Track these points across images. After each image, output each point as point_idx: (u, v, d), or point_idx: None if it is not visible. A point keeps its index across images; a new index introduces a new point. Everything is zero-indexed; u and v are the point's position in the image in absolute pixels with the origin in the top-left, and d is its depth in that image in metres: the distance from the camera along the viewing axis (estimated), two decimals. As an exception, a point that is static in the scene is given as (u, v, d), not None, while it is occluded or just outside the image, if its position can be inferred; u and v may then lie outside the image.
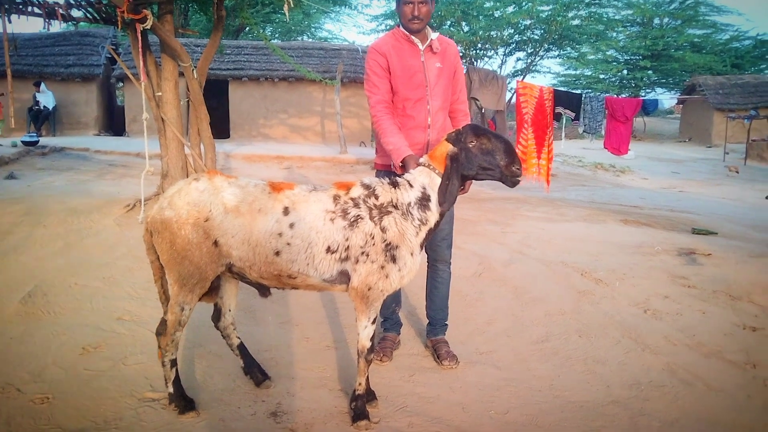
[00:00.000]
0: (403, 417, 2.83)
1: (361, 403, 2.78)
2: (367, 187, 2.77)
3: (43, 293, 4.09)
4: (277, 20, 23.55)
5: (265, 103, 17.53)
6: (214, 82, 15.33)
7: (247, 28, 21.34)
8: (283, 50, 11.48)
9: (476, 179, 2.87)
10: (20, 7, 6.39)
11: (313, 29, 27.97)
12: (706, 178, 13.97)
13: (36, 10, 6.41)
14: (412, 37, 3.31)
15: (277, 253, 2.63)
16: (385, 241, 2.68)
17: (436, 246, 3.50)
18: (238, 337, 3.09)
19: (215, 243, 2.61)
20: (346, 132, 15.27)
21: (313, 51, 18.39)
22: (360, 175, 12.04)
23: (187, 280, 2.64)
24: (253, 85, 17.32)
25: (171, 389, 2.76)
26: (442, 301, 3.61)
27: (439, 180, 2.76)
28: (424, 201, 2.75)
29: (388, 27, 15.95)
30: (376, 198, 2.73)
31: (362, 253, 2.67)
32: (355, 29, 37.78)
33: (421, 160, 2.89)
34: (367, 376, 2.82)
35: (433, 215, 2.77)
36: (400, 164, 3.06)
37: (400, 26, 3.35)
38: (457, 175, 2.74)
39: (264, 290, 2.88)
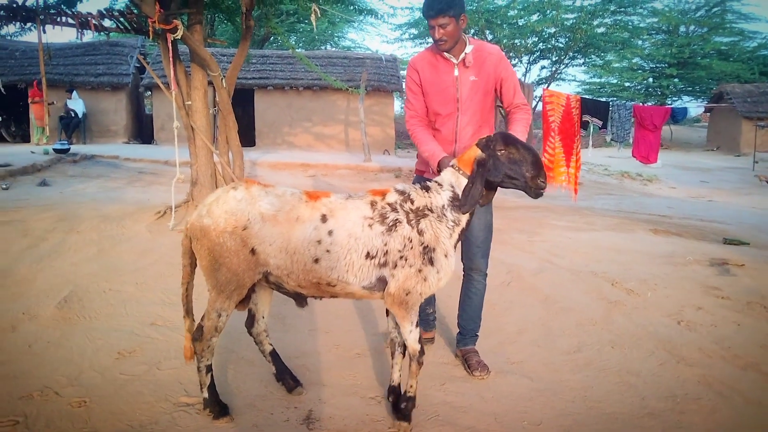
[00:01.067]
0: (434, 426, 2.82)
1: (411, 405, 2.84)
2: (401, 192, 2.81)
3: (79, 298, 4.17)
4: (302, 29, 23.77)
5: (290, 112, 17.69)
6: (240, 91, 15.50)
7: (272, 38, 21.59)
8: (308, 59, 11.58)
9: (501, 186, 2.87)
10: (55, 17, 6.56)
11: (336, 38, 28.19)
12: (735, 188, 13.73)
13: (70, 20, 6.57)
14: (445, 53, 3.30)
15: (316, 261, 2.65)
16: (423, 244, 2.71)
17: (472, 254, 3.49)
18: (271, 344, 3.12)
19: (252, 251, 2.64)
20: (370, 140, 15.33)
21: (337, 60, 18.54)
22: (384, 183, 12.07)
23: (224, 287, 2.68)
24: (278, 93, 17.50)
25: (206, 394, 2.79)
26: (475, 311, 3.59)
27: (464, 182, 2.79)
28: (455, 201, 2.79)
29: (411, 36, 15.99)
30: (412, 202, 2.77)
31: (400, 257, 2.69)
32: (378, 38, 38.11)
33: (451, 162, 2.92)
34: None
35: (464, 216, 2.81)
36: (438, 167, 3.10)
37: None
38: (482, 180, 2.75)
39: (301, 300, 2.89)
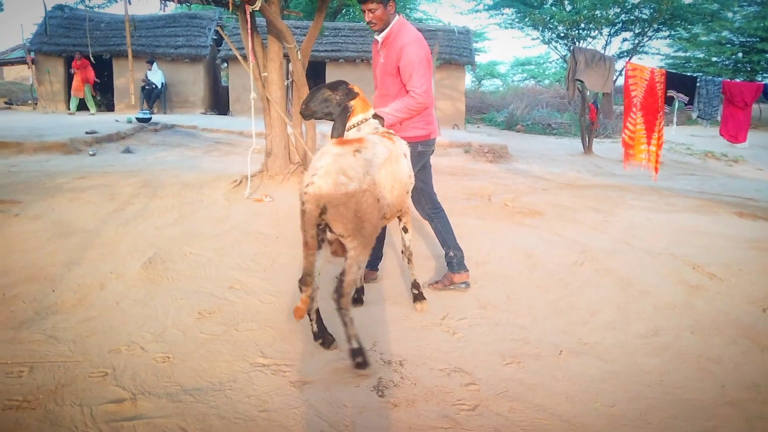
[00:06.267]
0: (504, 402, 2.81)
1: (420, 289, 3.81)
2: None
3: (162, 260, 4.38)
4: (374, 1, 23.60)
5: (360, 85, 17.35)
6: (312, 64, 15.63)
7: (344, 10, 21.59)
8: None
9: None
10: (141, -10, 6.80)
11: (408, 10, 27.83)
12: (832, 171, 12.79)
13: (155, -8, 6.78)
14: (375, 36, 3.87)
15: (407, 191, 3.35)
16: None
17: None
18: (317, 302, 3.27)
19: (378, 200, 2.96)
20: (440, 114, 15.17)
21: (409, 32, 18.32)
22: (453, 158, 11.96)
23: (368, 242, 2.97)
24: (349, 66, 17.53)
25: (356, 344, 2.96)
26: (444, 242, 4.13)
27: None
28: None
29: (486, 7, 15.55)
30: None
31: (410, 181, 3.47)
32: (451, 9, 37.37)
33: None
34: None
35: None
36: None
37: None
38: None
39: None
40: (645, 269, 4.73)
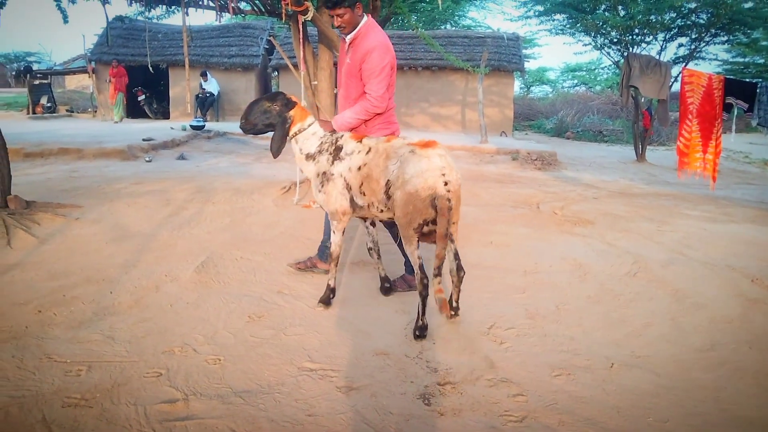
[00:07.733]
0: (553, 414, 2.76)
1: (391, 282, 4.13)
2: None
3: (214, 264, 4.50)
4: (422, 9, 23.64)
5: (408, 92, 17.75)
6: (361, 71, 15.77)
7: (393, 18, 21.69)
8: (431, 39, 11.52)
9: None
10: (198, 1, 7.04)
11: (456, 17, 27.71)
12: None
13: (211, 3, 7.01)
14: (344, 36, 3.91)
15: None
16: None
17: None
18: None
19: None
20: (487, 121, 15.07)
21: (457, 39, 18.30)
22: (500, 165, 11.85)
23: None
24: (396, 74, 17.59)
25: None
26: (327, 232, 4.24)
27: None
28: None
29: (537, 13, 15.36)
30: None
31: None
32: (500, 16, 36.98)
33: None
34: None
35: None
36: None
37: None
38: None
39: None
40: (701, 281, 4.58)
